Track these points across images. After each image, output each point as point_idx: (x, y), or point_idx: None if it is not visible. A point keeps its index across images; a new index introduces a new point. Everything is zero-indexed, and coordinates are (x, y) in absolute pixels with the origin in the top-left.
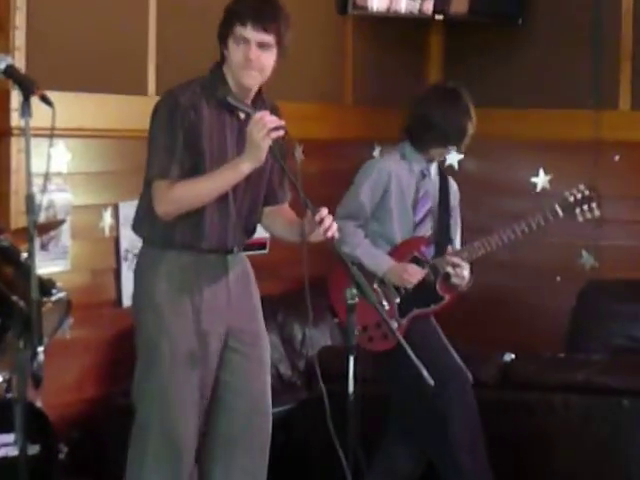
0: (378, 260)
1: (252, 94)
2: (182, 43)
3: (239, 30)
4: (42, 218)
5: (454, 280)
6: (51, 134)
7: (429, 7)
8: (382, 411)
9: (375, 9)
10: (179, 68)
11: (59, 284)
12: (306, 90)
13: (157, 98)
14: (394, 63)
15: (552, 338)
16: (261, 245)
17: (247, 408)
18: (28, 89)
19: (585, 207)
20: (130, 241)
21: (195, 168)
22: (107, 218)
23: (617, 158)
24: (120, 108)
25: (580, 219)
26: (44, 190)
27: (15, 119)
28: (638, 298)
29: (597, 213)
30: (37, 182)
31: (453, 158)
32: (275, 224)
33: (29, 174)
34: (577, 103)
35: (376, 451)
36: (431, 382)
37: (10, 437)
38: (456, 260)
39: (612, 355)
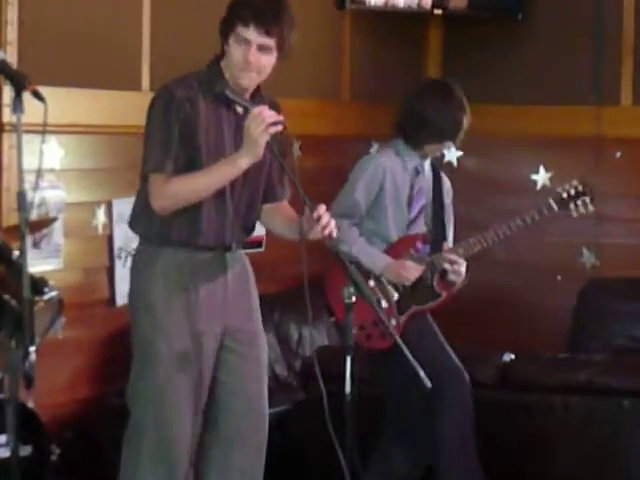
0: (375, 258)
1: (250, 90)
2: (176, 38)
3: (241, 30)
4: (34, 215)
5: (451, 277)
6: (43, 130)
7: (428, 1)
8: (379, 411)
9: (373, 3)
10: (173, 63)
11: (51, 283)
12: (303, 86)
13: (151, 94)
14: (392, 58)
15: (552, 338)
16: (257, 243)
17: (243, 408)
18: (20, 84)
19: (579, 202)
20: (124, 239)
21: (191, 163)
22: (100, 216)
23: (618, 155)
24: (113, 104)
25: (575, 214)
26: (36, 187)
27: (7, 115)
28: (639, 297)
29: (591, 208)
30: (29, 179)
31: (452, 155)
32: (274, 221)
33: (21, 171)
34: (578, 99)
35: (373, 452)
36: (428, 384)
37: (1, 438)
38: (453, 257)
39: (613, 355)
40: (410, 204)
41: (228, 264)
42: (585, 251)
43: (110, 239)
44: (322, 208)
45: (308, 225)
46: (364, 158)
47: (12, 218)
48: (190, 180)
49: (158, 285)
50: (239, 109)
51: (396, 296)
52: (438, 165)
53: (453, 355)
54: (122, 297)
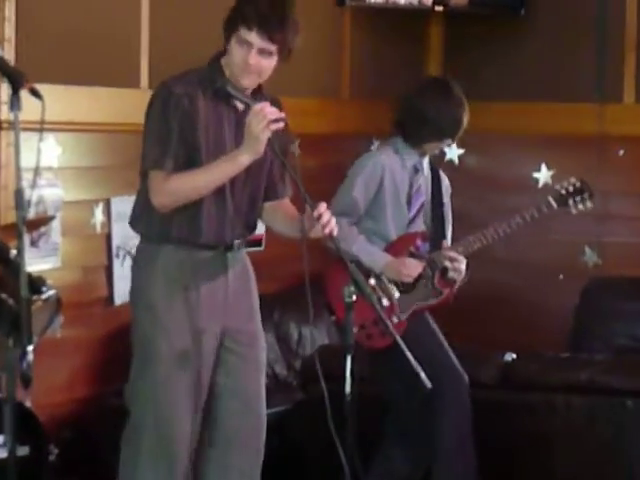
0: (375, 256)
1: (251, 89)
2: (175, 35)
3: (244, 33)
4: (32, 214)
5: (451, 274)
6: (41, 128)
7: None
8: (380, 411)
9: (373, 0)
10: (172, 60)
11: (49, 282)
12: (303, 84)
13: (150, 91)
14: (393, 55)
15: (554, 337)
16: (257, 242)
17: (242, 409)
18: (17, 82)
19: (577, 199)
20: (122, 238)
21: (191, 160)
22: (98, 214)
23: (621, 153)
24: (112, 101)
25: (574, 211)
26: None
27: (4, 112)
28: None
29: (590, 205)
30: (27, 177)
31: (453, 153)
32: (275, 219)
33: (18, 169)
34: (580, 96)
35: (374, 452)
36: (429, 384)
37: None
38: (453, 254)
39: (615, 355)
40: (409, 202)
41: (229, 263)
42: (587, 250)
43: (108, 238)
44: (323, 206)
45: (309, 223)
46: (364, 155)
47: (10, 216)
48: (190, 177)
49: (159, 283)
50: (239, 106)
51: (397, 294)
52: (439, 163)
53: (452, 355)
54: (120, 296)
